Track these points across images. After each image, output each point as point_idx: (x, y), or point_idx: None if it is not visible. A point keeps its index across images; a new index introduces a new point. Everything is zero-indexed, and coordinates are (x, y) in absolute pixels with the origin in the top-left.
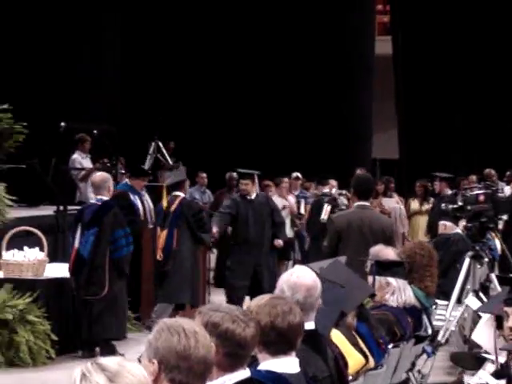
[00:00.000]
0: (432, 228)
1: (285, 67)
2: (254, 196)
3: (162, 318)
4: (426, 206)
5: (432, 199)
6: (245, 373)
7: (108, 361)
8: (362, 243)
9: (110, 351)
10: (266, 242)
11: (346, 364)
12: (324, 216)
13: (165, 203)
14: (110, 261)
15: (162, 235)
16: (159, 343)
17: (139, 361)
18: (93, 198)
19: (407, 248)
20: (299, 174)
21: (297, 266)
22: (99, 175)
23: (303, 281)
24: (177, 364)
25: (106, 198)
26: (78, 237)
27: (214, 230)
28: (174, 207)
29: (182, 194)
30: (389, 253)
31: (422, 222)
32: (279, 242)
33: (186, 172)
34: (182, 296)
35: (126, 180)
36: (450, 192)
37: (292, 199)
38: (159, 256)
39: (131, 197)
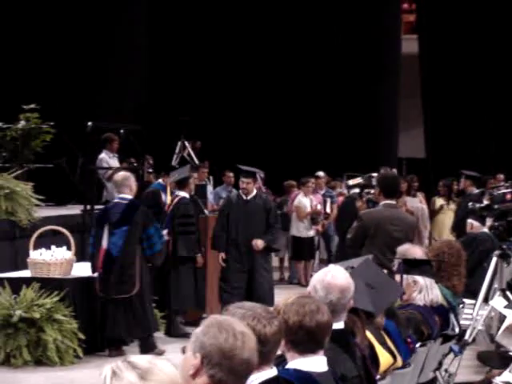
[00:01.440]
0: (458, 226)
1: (311, 66)
2: (251, 196)
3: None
4: (451, 205)
5: (457, 198)
6: (272, 371)
7: (138, 358)
8: (389, 242)
9: (150, 348)
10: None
11: (377, 364)
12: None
13: (168, 202)
14: (143, 258)
15: None
16: (206, 338)
17: (183, 351)
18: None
19: (435, 247)
20: (323, 173)
21: (331, 266)
22: (121, 174)
23: (337, 281)
24: (220, 362)
25: (129, 197)
26: (106, 237)
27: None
28: (170, 208)
29: (182, 194)
30: (416, 251)
31: (447, 220)
32: (257, 244)
33: (213, 171)
34: (183, 303)
35: (160, 180)
36: (476, 191)
37: (315, 199)
38: None
39: (163, 196)
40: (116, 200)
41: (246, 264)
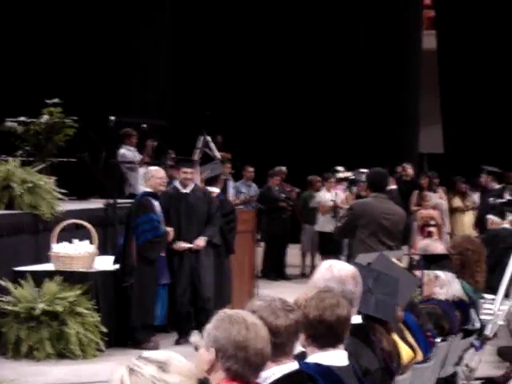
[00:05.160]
0: (480, 222)
1: (333, 61)
2: (190, 189)
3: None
4: (468, 203)
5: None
6: (293, 365)
7: (153, 353)
8: (378, 231)
9: (138, 342)
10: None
11: (398, 355)
12: None
13: None
14: (137, 248)
15: None
16: (219, 332)
17: (196, 349)
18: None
19: (457, 243)
20: (342, 168)
21: (325, 262)
22: (147, 169)
23: (346, 272)
24: (234, 354)
25: (146, 190)
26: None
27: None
28: None
29: (215, 190)
30: (437, 246)
31: (466, 219)
32: (198, 244)
33: (234, 165)
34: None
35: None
36: (497, 186)
37: (341, 193)
38: None
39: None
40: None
41: (187, 263)
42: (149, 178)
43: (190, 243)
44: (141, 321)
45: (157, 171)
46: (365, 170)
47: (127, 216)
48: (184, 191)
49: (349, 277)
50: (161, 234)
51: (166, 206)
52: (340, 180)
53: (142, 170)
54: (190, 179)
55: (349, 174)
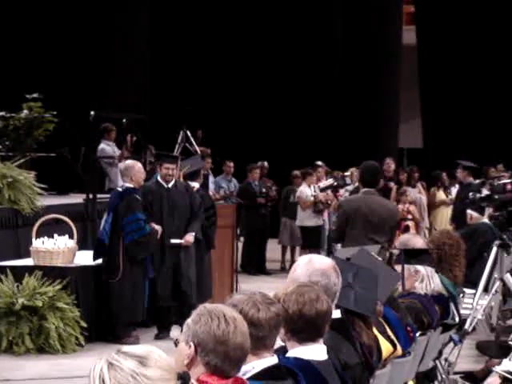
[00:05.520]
0: (457, 217)
1: (313, 56)
2: (172, 184)
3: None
4: (451, 196)
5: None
6: (273, 359)
7: (132, 348)
8: (368, 228)
9: (120, 337)
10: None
11: (378, 350)
12: None
13: None
14: (124, 247)
15: None
16: (198, 326)
17: (175, 344)
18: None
19: (435, 238)
20: (321, 163)
21: (301, 257)
22: (126, 163)
23: (327, 264)
24: (214, 348)
25: (128, 185)
26: (102, 223)
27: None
28: None
29: (195, 185)
30: (418, 241)
31: (448, 212)
32: (188, 240)
33: (214, 160)
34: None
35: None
36: (475, 181)
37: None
38: None
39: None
40: (118, 188)
41: (169, 258)
42: (134, 174)
43: (173, 238)
44: (128, 319)
45: (139, 166)
46: (347, 173)
47: (114, 212)
48: (166, 186)
49: (331, 269)
50: (147, 233)
51: (148, 201)
52: (323, 190)
53: (121, 165)
54: (172, 175)
55: (330, 182)
